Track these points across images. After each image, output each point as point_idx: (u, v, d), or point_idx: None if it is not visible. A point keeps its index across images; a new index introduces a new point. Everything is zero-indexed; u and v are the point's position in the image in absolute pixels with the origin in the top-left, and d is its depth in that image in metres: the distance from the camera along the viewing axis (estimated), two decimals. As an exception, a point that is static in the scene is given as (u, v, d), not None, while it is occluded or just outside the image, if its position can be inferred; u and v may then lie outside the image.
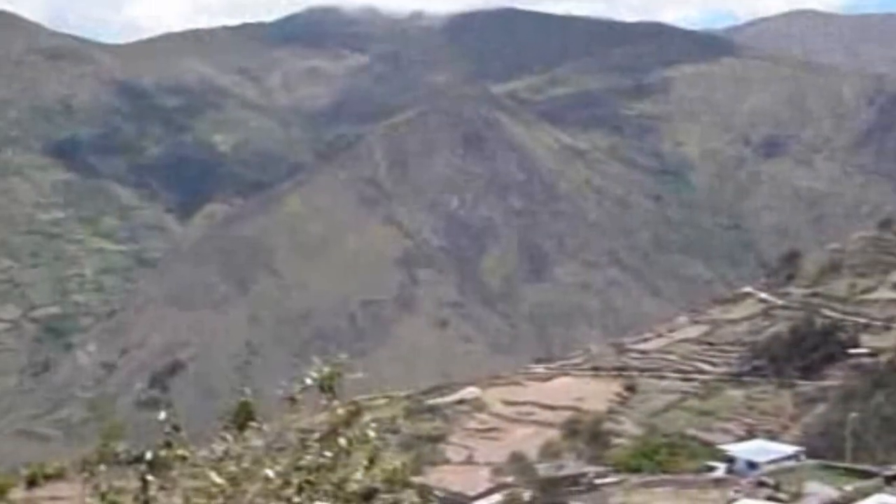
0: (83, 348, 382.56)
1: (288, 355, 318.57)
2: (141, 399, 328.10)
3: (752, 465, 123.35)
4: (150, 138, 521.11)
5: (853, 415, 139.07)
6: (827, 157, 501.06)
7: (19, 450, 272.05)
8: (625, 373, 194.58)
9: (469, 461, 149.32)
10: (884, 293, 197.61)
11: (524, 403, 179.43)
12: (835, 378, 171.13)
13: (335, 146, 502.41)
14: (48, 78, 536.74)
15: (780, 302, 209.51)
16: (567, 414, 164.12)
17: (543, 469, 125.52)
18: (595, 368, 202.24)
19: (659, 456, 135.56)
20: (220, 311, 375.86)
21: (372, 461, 11.78)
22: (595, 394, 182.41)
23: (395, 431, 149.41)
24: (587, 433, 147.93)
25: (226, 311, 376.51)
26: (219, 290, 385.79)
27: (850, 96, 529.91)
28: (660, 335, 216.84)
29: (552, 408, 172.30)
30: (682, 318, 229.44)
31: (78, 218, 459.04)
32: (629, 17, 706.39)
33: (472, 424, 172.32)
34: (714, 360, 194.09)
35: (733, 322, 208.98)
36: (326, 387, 11.68)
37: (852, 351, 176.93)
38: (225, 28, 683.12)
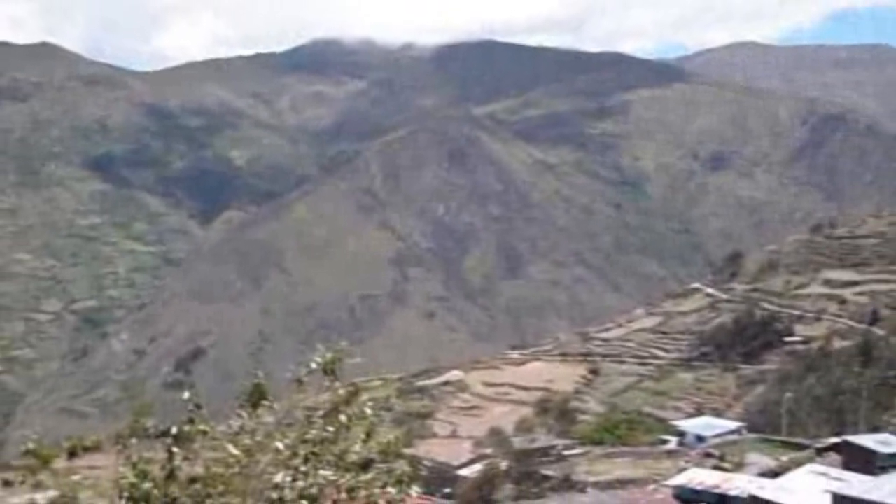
0: (117, 337, 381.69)
1: (295, 343, 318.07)
2: (167, 381, 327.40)
3: (700, 439, 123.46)
4: (176, 153, 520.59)
5: (788, 395, 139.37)
6: (765, 170, 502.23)
7: (61, 425, 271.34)
8: (589, 358, 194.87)
9: (453, 435, 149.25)
10: (815, 289, 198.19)
11: (501, 385, 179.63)
12: (772, 363, 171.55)
13: (336, 160, 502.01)
14: (86, 101, 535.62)
15: (724, 296, 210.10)
16: (539, 394, 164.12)
17: (518, 442, 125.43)
18: (563, 354, 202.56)
19: (619, 430, 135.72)
20: (236, 304, 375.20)
21: (369, 435, 11.78)
22: (563, 376, 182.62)
23: (388, 409, 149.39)
24: (556, 411, 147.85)
25: (241, 304, 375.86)
26: (235, 286, 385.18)
27: (786, 117, 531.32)
28: (619, 325, 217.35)
29: (526, 388, 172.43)
30: (639, 311, 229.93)
31: (112, 223, 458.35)
32: (593, 47, 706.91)
33: (456, 403, 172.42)
34: (667, 347, 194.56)
35: (684, 314, 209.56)
36: (329, 370, 11.68)
37: (787, 339, 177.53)
38: (240, 57, 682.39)
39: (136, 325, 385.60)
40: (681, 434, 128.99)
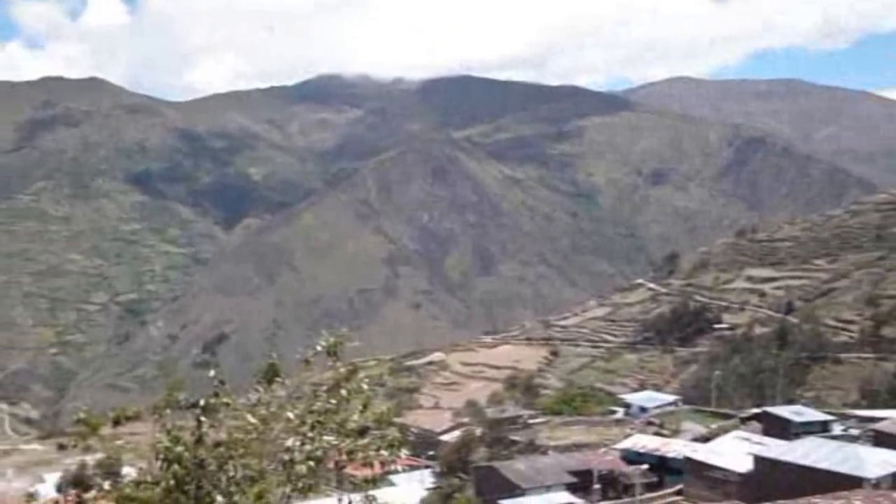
0: (154, 324, 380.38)
1: (303, 329, 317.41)
2: (196, 361, 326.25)
3: (643, 410, 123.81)
4: (203, 170, 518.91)
5: (717, 373, 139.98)
6: (698, 184, 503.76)
7: (107, 398, 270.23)
8: (550, 342, 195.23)
9: (436, 406, 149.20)
10: (739, 284, 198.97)
11: (476, 364, 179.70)
12: (703, 346, 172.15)
13: (338, 176, 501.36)
14: (128, 126, 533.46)
15: (663, 290, 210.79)
16: (508, 372, 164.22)
17: (491, 412, 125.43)
18: (528, 339, 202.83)
19: (575, 403, 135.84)
20: (253, 297, 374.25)
21: (365, 406, 11.79)
22: (528, 357, 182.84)
23: (381, 385, 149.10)
24: (522, 386, 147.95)
25: (258, 297, 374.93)
26: (253, 282, 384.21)
27: (715, 140, 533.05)
28: (575, 315, 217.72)
29: (497, 367, 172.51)
30: (592, 302, 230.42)
31: (150, 229, 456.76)
32: (553, 81, 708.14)
33: (438, 380, 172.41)
34: (615, 332, 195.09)
35: (629, 305, 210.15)
36: (332, 352, 11.69)
37: (716, 326, 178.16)
38: (257, 89, 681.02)
39: (169, 315, 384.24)
40: (627, 406, 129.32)
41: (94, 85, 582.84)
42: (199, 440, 10.98)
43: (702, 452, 79.76)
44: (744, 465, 70.82)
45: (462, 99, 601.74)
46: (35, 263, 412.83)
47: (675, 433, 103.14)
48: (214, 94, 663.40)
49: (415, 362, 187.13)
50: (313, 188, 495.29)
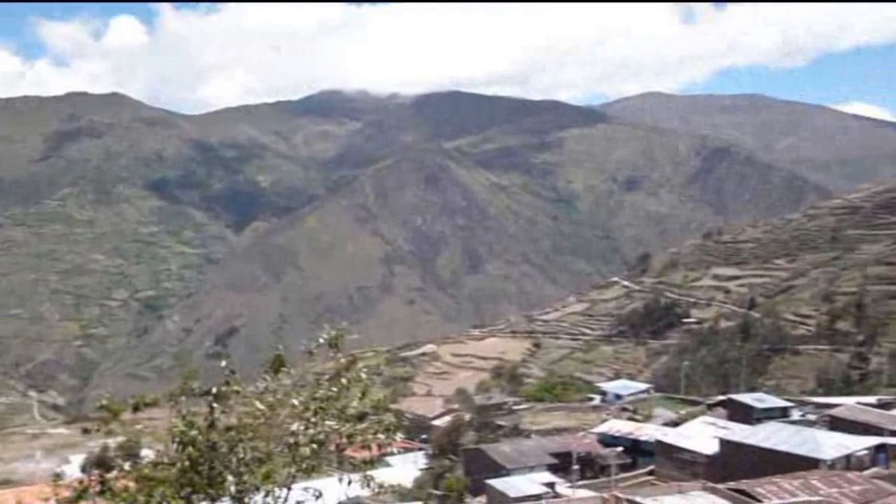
0: (170, 319, 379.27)
1: (307, 323, 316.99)
2: (208, 352, 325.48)
3: (618, 397, 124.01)
4: (215, 178, 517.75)
5: (685, 363, 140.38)
6: (668, 190, 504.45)
7: (127, 386, 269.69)
8: (533, 335, 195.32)
9: (428, 394, 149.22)
10: (706, 282, 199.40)
11: (466, 355, 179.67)
12: (673, 339, 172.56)
13: (339, 183, 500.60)
14: (147, 137, 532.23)
15: (636, 287, 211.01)
16: (494, 362, 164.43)
17: (478, 399, 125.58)
18: (513, 332, 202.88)
19: (556, 390, 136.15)
20: (261, 293, 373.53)
21: (364, 394, 11.81)
22: (513, 349, 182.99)
23: (379, 374, 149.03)
24: (507, 375, 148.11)
25: (265, 293, 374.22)
26: (261, 280, 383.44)
27: (684, 150, 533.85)
28: (556, 310, 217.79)
29: (484, 358, 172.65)
30: (571, 299, 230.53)
31: (167, 231, 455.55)
32: (536, 96, 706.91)
33: (431, 369, 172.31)
34: (593, 326, 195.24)
35: (605, 301, 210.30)
36: (333, 344, 11.71)
37: (685, 320, 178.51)
38: (265, 104, 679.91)
39: (184, 310, 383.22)
40: (603, 393, 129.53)
41: (115, 100, 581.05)
42: (211, 425, 10.99)
43: (671, 436, 79.85)
44: (710, 447, 70.97)
45: (452, 112, 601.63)
46: (61, 263, 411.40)
47: (648, 418, 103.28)
48: (226, 108, 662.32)
49: (409, 353, 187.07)
50: (316, 194, 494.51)
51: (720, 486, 51.77)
